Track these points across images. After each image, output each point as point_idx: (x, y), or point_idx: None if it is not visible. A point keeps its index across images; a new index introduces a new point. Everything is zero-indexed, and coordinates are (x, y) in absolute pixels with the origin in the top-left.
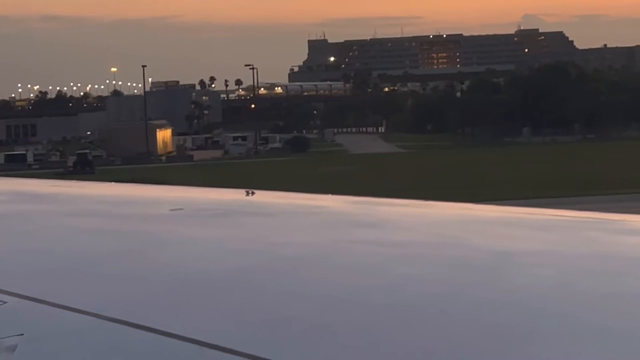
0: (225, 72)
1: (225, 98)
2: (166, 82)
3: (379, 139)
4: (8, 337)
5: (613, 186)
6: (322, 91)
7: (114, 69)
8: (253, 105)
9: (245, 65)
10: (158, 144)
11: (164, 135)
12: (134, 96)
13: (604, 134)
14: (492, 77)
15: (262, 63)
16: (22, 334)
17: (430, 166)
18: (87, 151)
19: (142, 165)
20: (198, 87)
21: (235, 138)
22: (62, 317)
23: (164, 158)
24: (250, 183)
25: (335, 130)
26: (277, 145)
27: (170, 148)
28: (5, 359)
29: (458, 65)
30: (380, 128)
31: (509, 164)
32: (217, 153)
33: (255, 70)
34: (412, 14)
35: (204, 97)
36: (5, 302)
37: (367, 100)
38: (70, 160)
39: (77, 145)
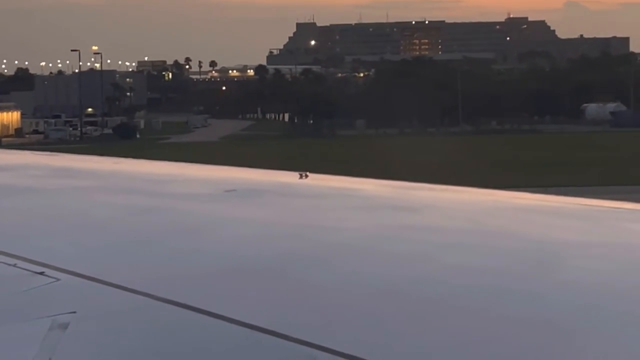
0: (206, 52)
1: (199, 79)
2: (152, 62)
3: (243, 128)
4: (60, 314)
5: None
6: (297, 75)
7: (94, 47)
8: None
9: (72, 51)
10: None
11: (2, 117)
12: (61, 76)
13: (422, 129)
14: (465, 65)
15: (246, 44)
16: (75, 312)
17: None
18: None
19: None
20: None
21: (66, 122)
22: (113, 295)
23: None
24: None
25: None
26: (110, 131)
27: (11, 131)
28: (58, 335)
29: (439, 52)
30: (280, 115)
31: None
32: (41, 137)
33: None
34: None
35: (127, 80)
36: (58, 280)
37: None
38: None
39: None
